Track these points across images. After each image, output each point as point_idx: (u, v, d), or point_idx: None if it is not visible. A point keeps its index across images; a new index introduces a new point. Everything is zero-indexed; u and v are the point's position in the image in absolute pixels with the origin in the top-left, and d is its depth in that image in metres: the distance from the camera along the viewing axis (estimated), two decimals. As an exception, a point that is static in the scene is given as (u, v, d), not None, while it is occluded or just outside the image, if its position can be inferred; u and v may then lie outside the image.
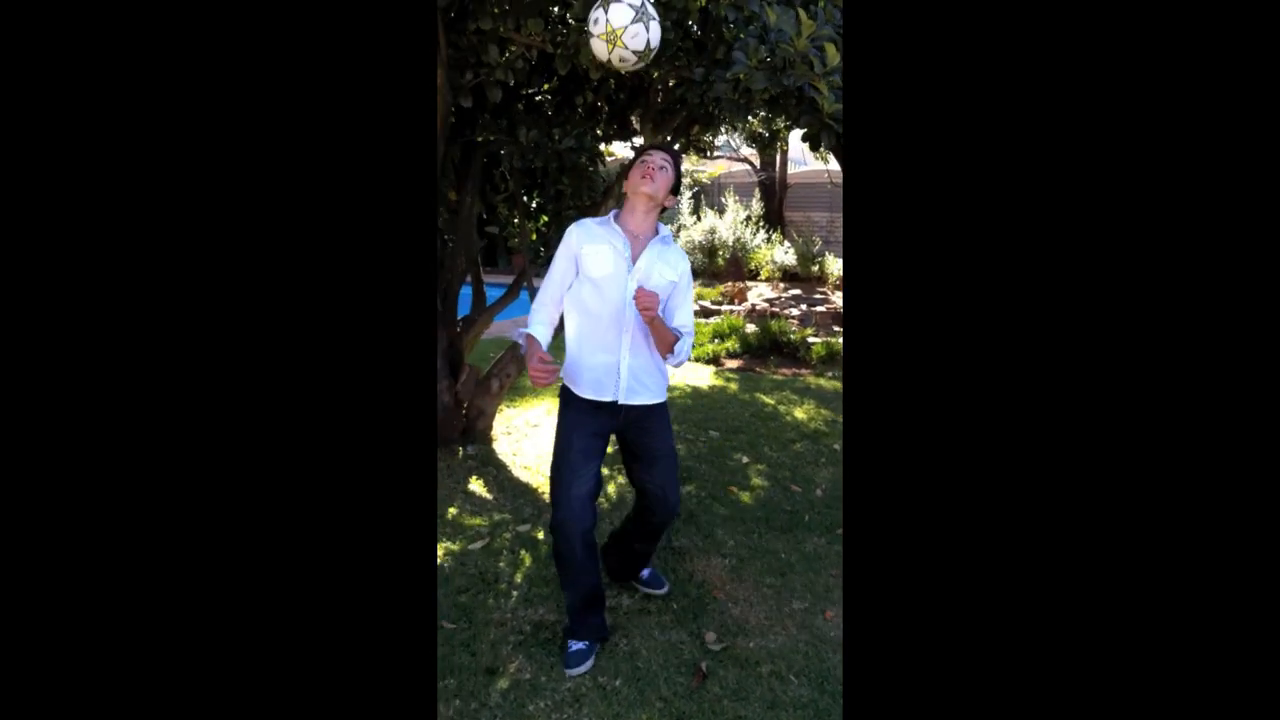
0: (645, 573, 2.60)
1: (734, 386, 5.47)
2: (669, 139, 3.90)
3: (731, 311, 8.07)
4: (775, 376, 5.85)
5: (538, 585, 2.59)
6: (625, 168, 3.65)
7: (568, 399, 2.23)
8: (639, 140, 4.20)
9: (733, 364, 6.27)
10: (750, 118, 5.45)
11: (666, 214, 12.29)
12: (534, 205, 4.33)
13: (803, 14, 2.24)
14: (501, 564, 2.74)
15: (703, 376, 5.82)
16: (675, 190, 2.24)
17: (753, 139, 9.07)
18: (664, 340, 2.11)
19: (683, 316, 2.25)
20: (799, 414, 4.77)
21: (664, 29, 2.75)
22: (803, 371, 6.02)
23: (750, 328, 6.92)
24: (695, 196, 12.69)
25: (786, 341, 6.44)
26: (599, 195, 3.97)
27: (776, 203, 12.90)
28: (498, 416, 4.33)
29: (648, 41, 2.06)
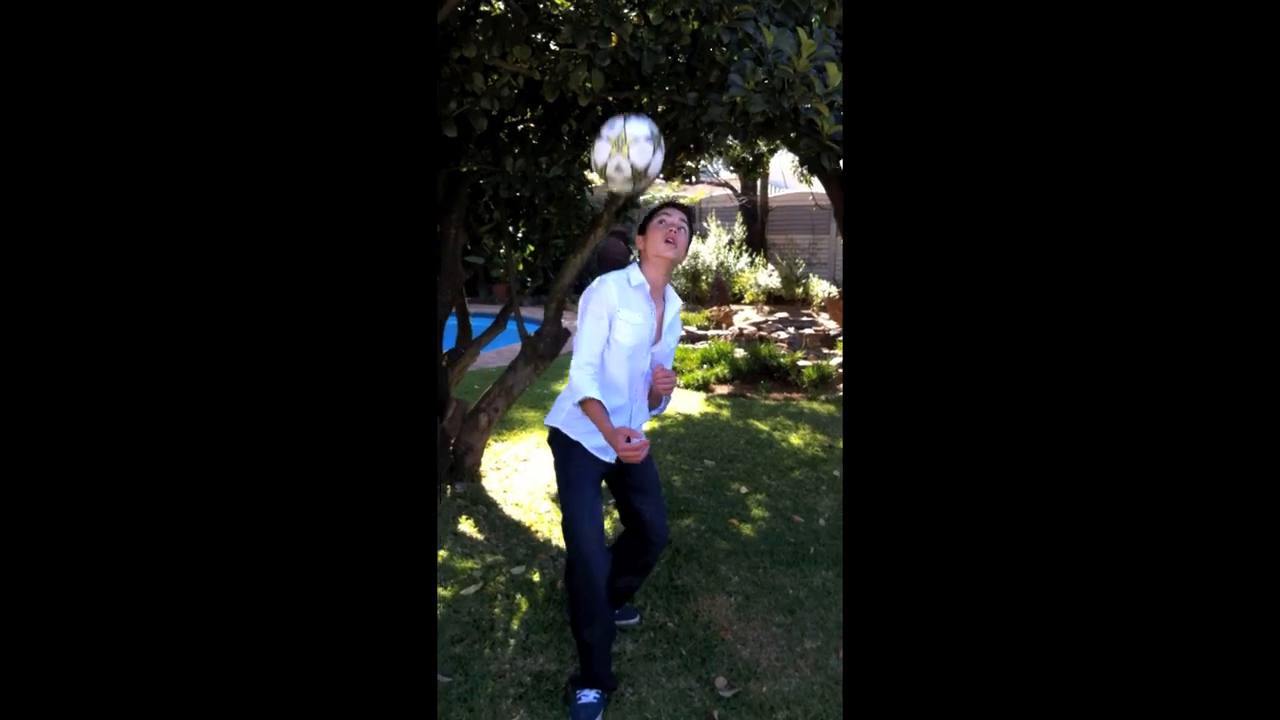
0: (617, 611, 2.55)
1: (726, 413, 5.38)
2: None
3: (719, 336, 8.00)
4: (767, 402, 5.76)
5: (536, 632, 2.47)
6: (618, 201, 3.59)
7: (579, 455, 2.16)
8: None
9: (723, 389, 6.18)
10: (737, 141, 5.42)
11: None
12: (520, 235, 4.25)
13: (803, 33, 2.18)
14: (497, 610, 2.62)
15: (694, 404, 5.72)
16: (691, 238, 2.29)
17: (736, 164, 9.08)
18: (672, 385, 2.22)
19: (670, 359, 2.36)
20: (795, 440, 4.69)
21: (655, 54, 2.69)
22: (795, 396, 5.94)
23: (739, 352, 6.85)
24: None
25: (777, 365, 6.37)
26: (586, 224, 3.89)
27: (759, 226, 12.92)
28: (486, 452, 4.21)
29: (649, 165, 2.01)
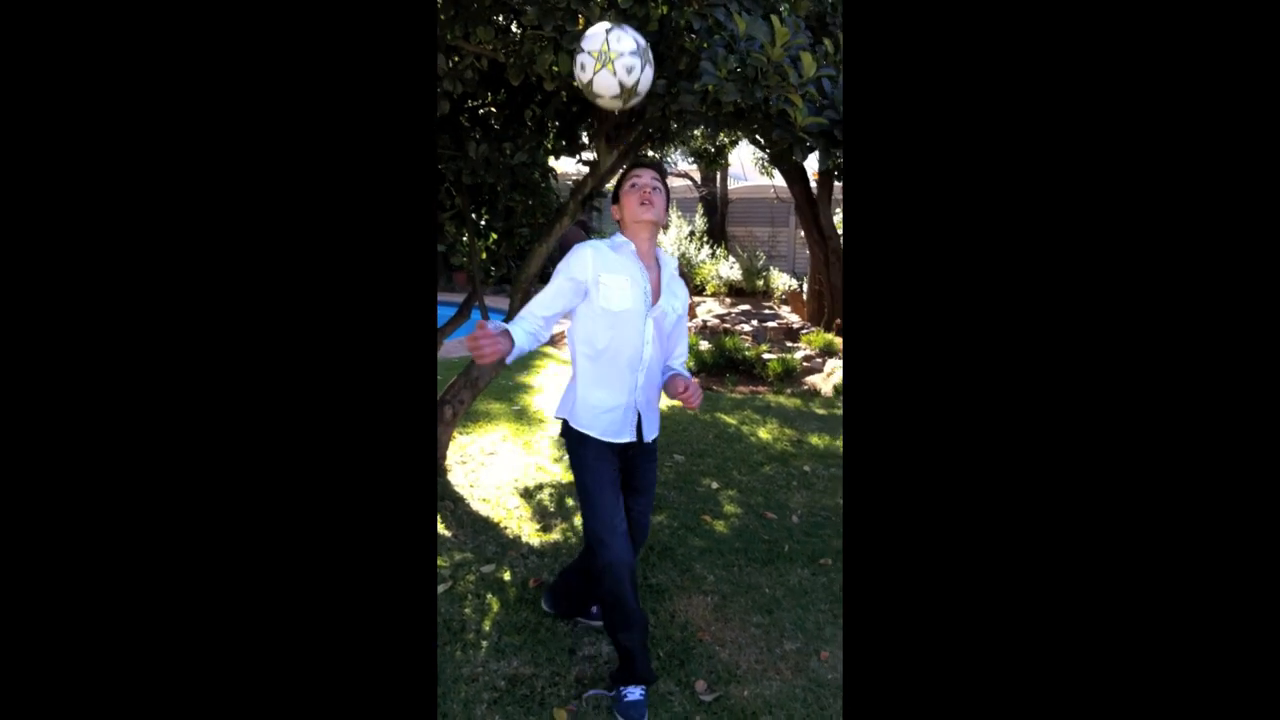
0: (595, 608, 2.47)
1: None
2: (621, 154, 3.76)
3: (682, 328, 7.95)
4: (734, 395, 5.74)
5: (509, 634, 2.40)
6: (584, 189, 3.50)
7: (583, 440, 2.06)
8: (589, 156, 4.05)
9: (688, 382, 6.14)
10: (701, 131, 5.37)
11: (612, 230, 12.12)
12: (483, 223, 4.14)
13: (776, 21, 2.12)
14: (467, 610, 2.54)
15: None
16: (668, 200, 2.14)
17: (697, 155, 9.04)
18: (701, 399, 2.04)
19: (681, 346, 2.23)
20: (763, 434, 4.66)
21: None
22: (760, 389, 5.92)
23: (704, 344, 6.81)
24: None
25: (742, 359, 6.34)
26: (553, 212, 3.80)
27: (719, 218, 12.90)
28: (451, 445, 4.11)
29: (638, 81, 1.88)
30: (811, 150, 2.56)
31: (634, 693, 2.02)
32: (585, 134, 4.02)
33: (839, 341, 6.86)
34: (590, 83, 1.86)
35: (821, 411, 5.28)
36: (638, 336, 2.02)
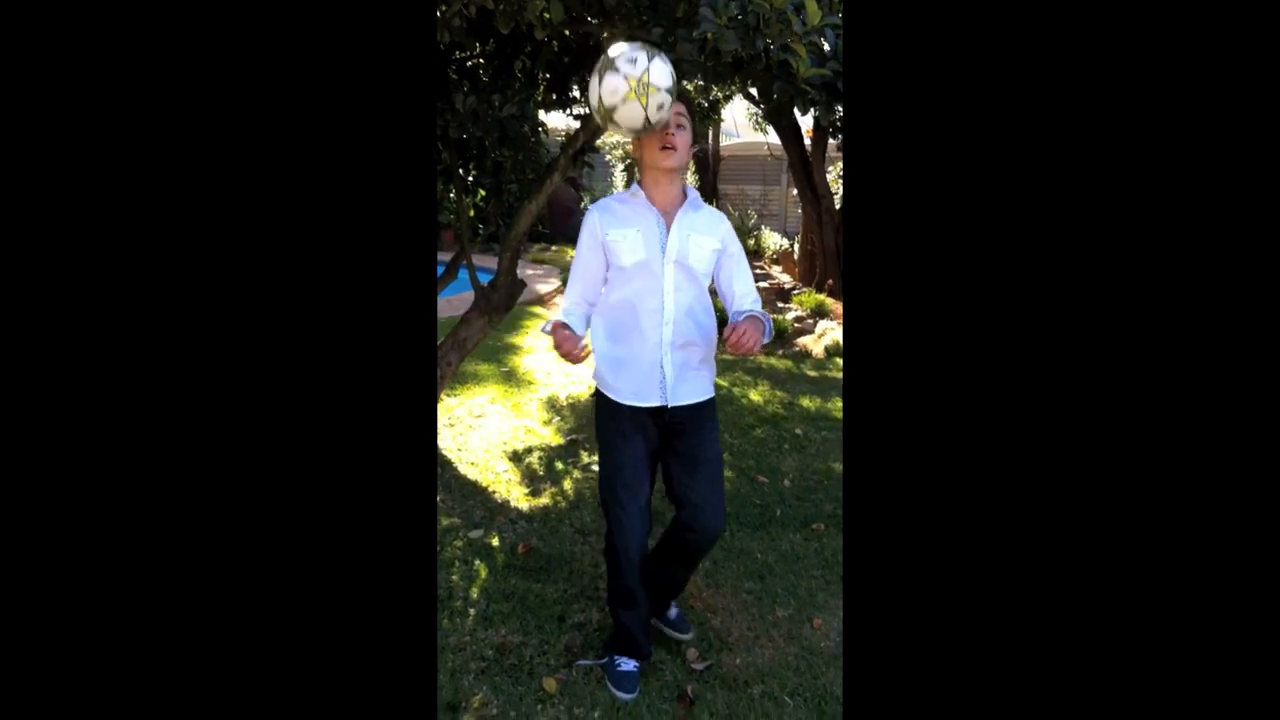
0: (673, 612, 2.20)
1: (683, 367, 5.28)
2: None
3: (672, 288, 7.85)
4: (724, 356, 5.67)
5: (497, 601, 2.35)
6: (575, 145, 3.39)
7: (608, 407, 1.92)
8: (581, 110, 3.92)
9: (679, 343, 6.07)
10: (696, 84, 5.22)
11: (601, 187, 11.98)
12: (471, 179, 4.02)
13: (782, -36, 2.01)
14: (455, 577, 2.49)
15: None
16: (695, 131, 1.92)
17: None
18: (756, 340, 1.71)
19: (743, 284, 1.94)
20: (755, 397, 4.61)
21: (619, -17, 2.49)
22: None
23: (694, 305, 6.72)
24: (629, 169, 12.41)
25: (732, 318, 6.26)
26: (543, 169, 3.68)
27: (710, 176, 12.72)
28: (439, 408, 4.04)
29: (663, 120, 1.73)
30: (814, 104, 2.46)
31: (627, 663, 1.97)
32: (577, 87, 3.89)
33: (831, 302, 6.79)
34: (614, 109, 1.68)
35: (813, 373, 5.23)
36: (657, 285, 1.84)
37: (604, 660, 2.02)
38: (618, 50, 1.71)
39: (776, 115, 7.20)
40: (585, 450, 3.64)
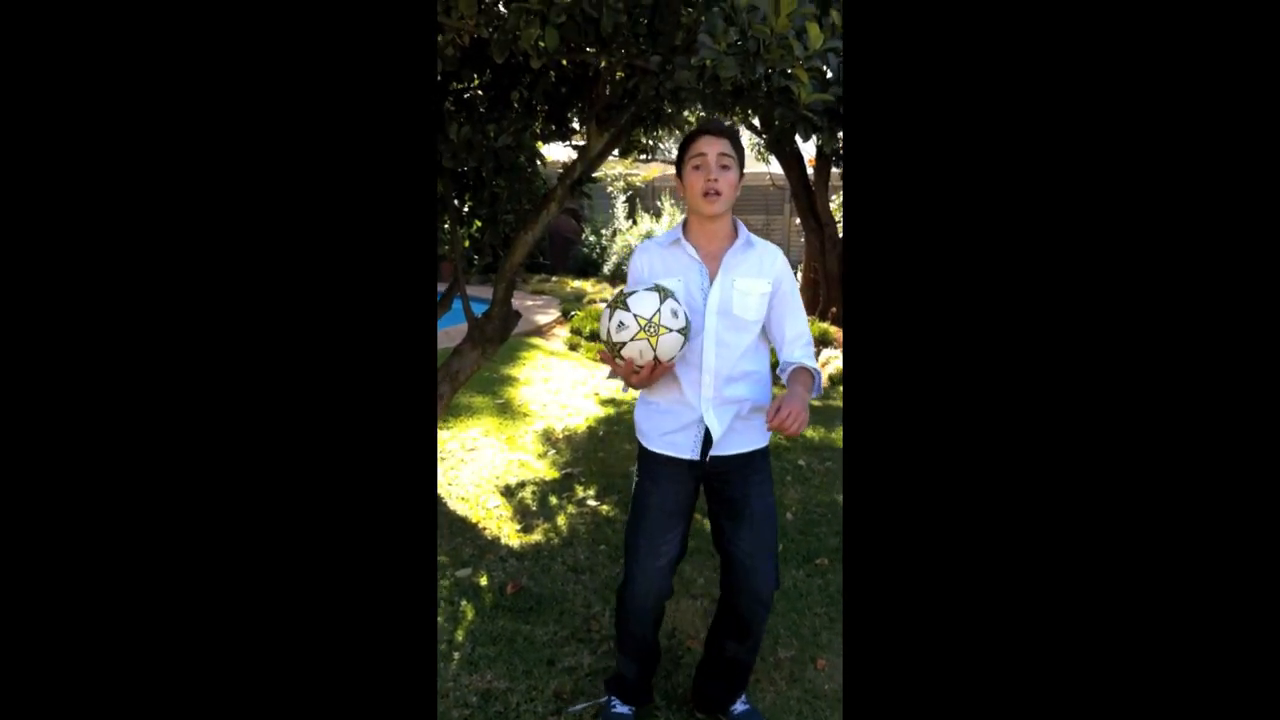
0: (740, 707, 1.91)
1: (682, 399, 5.20)
2: (612, 138, 3.60)
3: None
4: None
5: (484, 644, 2.25)
6: (572, 174, 3.35)
7: (641, 451, 1.84)
8: (579, 142, 3.88)
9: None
10: (697, 113, 5.20)
11: (594, 219, 11.97)
12: (466, 210, 3.98)
13: (780, -11, 1.97)
14: (440, 618, 2.39)
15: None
16: (742, 169, 1.80)
17: (690, 141, 8.81)
18: (802, 422, 1.54)
19: (794, 327, 1.77)
20: (754, 428, 4.53)
21: (615, 11, 2.46)
22: (751, 381, 5.79)
23: (694, 336, 6.67)
24: (630, 200, 12.44)
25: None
26: (539, 199, 3.64)
27: (712, 206, 12.72)
28: (431, 440, 3.95)
29: (671, 357, 1.65)
30: (817, 130, 2.41)
31: (622, 706, 1.88)
32: (576, 117, 3.86)
33: (834, 331, 6.73)
34: (623, 345, 1.62)
35: (816, 402, 5.15)
36: (697, 340, 1.71)
37: (600, 700, 1.95)
38: (604, 333, 1.67)
39: (778, 144, 7.19)
40: (580, 484, 3.55)
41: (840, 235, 7.54)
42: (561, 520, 3.16)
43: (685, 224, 1.80)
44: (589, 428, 4.45)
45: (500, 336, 3.61)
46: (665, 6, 2.52)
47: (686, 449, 1.75)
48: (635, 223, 11.62)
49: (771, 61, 2.09)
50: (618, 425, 4.46)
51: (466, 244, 4.09)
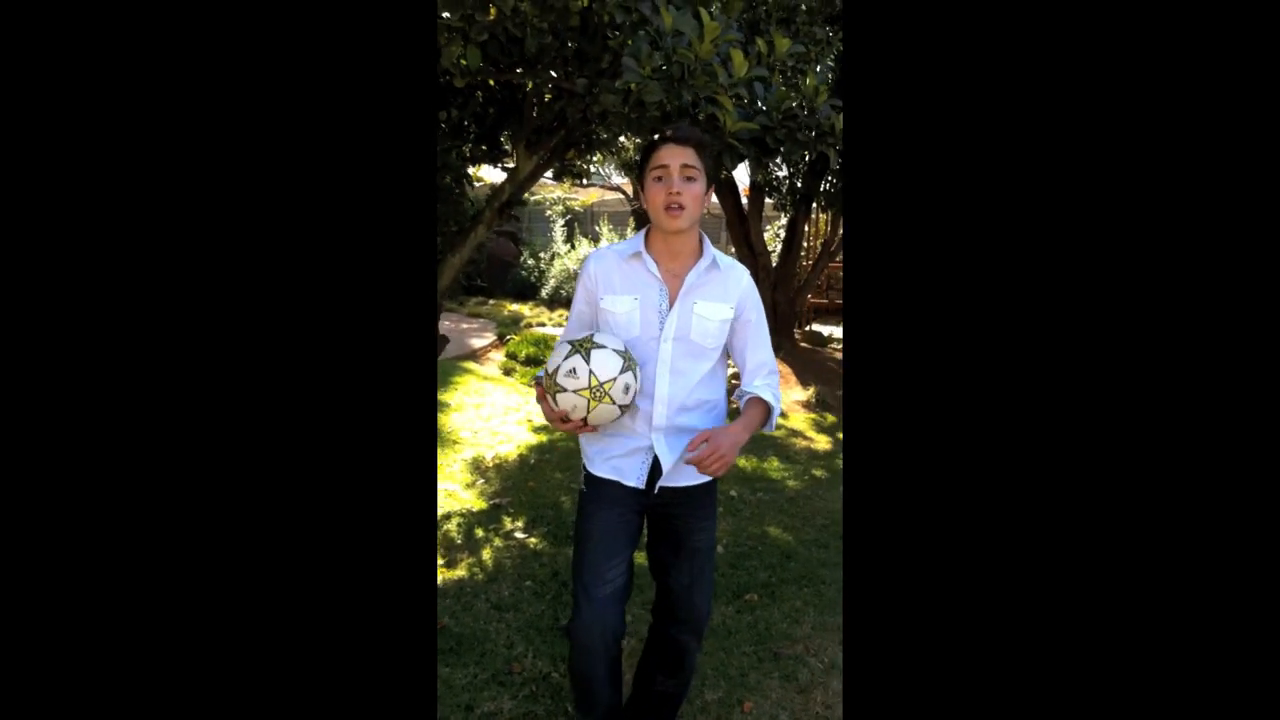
0: None
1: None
2: (542, 161, 3.53)
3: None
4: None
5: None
6: (501, 197, 3.27)
7: (587, 478, 1.72)
8: (510, 163, 3.81)
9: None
10: (630, 139, 5.18)
11: (521, 241, 11.90)
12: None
13: (705, 15, 1.94)
14: (353, 663, 2.26)
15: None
16: (713, 179, 1.65)
17: (628, 167, 8.85)
18: (724, 464, 1.51)
19: (756, 356, 1.68)
20: (688, 456, 4.47)
21: (539, 31, 2.40)
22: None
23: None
24: (569, 225, 12.39)
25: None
26: (466, 220, 3.55)
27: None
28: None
29: (633, 393, 1.56)
30: (742, 158, 2.39)
31: None
32: (507, 140, 3.79)
33: (768, 360, 6.74)
34: (562, 390, 1.53)
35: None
36: (650, 363, 1.62)
37: None
38: (553, 367, 1.56)
39: (716, 174, 7.24)
40: (508, 516, 3.44)
41: (773, 265, 7.60)
42: (487, 554, 3.04)
43: (647, 234, 1.67)
44: (520, 455, 4.34)
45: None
46: (592, 29, 2.48)
47: (632, 476, 1.66)
48: (574, 247, 11.56)
49: (697, 88, 2.06)
50: (549, 453, 4.36)
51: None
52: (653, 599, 1.84)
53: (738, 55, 1.99)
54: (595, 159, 5.28)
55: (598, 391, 1.50)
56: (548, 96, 3.14)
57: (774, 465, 4.33)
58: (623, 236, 12.17)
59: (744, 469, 4.25)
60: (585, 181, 8.92)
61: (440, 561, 2.96)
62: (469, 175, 3.64)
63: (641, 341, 1.62)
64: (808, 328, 8.68)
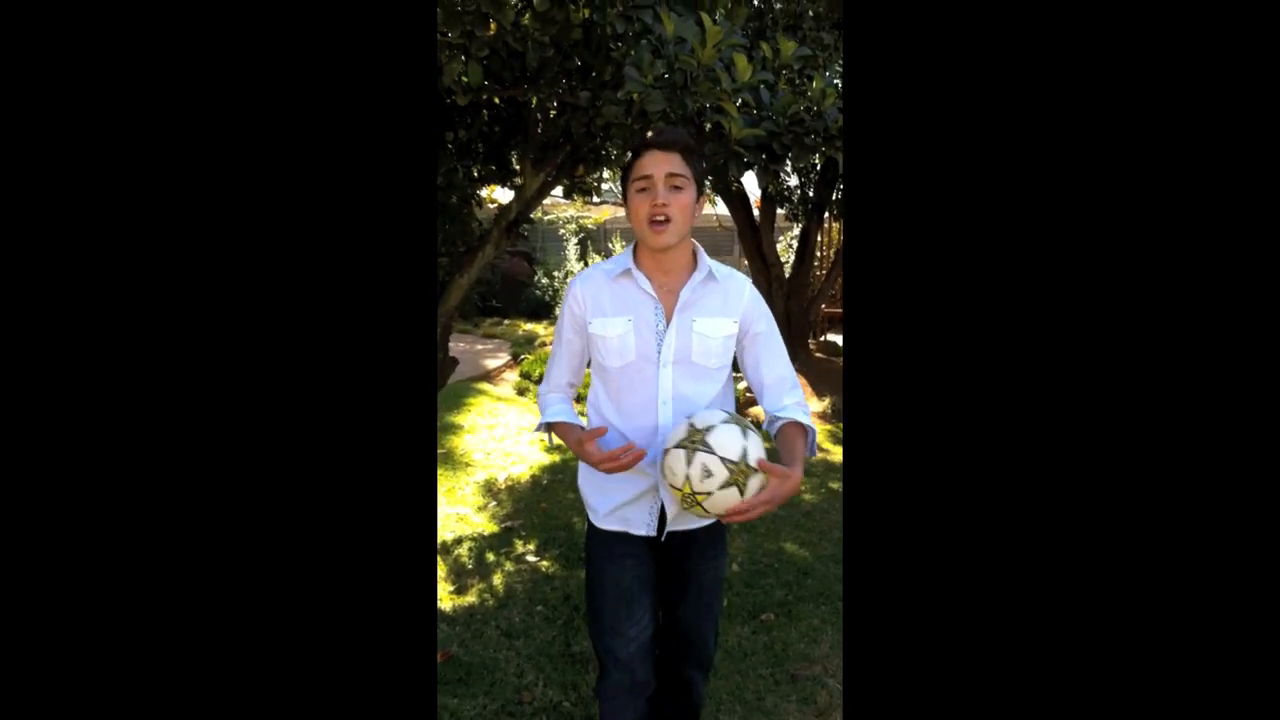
0: None
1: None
2: (549, 179, 3.49)
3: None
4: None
5: None
6: (508, 216, 3.24)
7: (590, 530, 1.58)
8: (518, 181, 3.78)
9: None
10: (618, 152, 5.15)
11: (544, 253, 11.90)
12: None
13: (708, 20, 1.89)
14: (360, 694, 2.20)
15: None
16: (701, 188, 1.50)
17: (638, 183, 8.81)
18: (804, 464, 1.40)
19: (775, 370, 1.54)
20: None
21: (541, 45, 2.37)
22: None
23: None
24: (582, 243, 12.38)
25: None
26: (474, 240, 3.52)
27: (663, 248, 12.73)
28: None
29: (751, 459, 1.35)
30: (749, 166, 2.33)
31: None
32: (515, 158, 3.76)
33: (784, 374, 6.67)
34: (708, 495, 1.32)
35: (766, 445, 5.04)
36: (650, 391, 1.46)
37: None
38: (681, 479, 1.33)
39: (725, 185, 7.20)
40: (520, 539, 3.37)
41: (786, 276, 7.53)
42: (498, 579, 2.98)
43: (636, 250, 1.52)
44: (532, 476, 4.28)
45: (437, 384, 3.45)
46: (594, 42, 2.44)
47: (642, 524, 1.51)
48: (587, 264, 11.55)
49: (700, 95, 2.01)
50: (562, 473, 4.30)
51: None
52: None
53: (741, 60, 1.94)
54: (606, 176, 5.23)
55: (740, 471, 1.31)
56: (552, 112, 3.10)
57: (792, 481, 4.24)
58: (636, 253, 12.15)
59: (761, 485, 4.17)
60: (597, 199, 8.91)
61: (450, 588, 2.90)
62: (477, 195, 3.61)
63: (636, 368, 1.47)
64: (822, 338, 8.59)
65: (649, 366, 1.46)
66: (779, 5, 3.63)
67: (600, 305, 1.49)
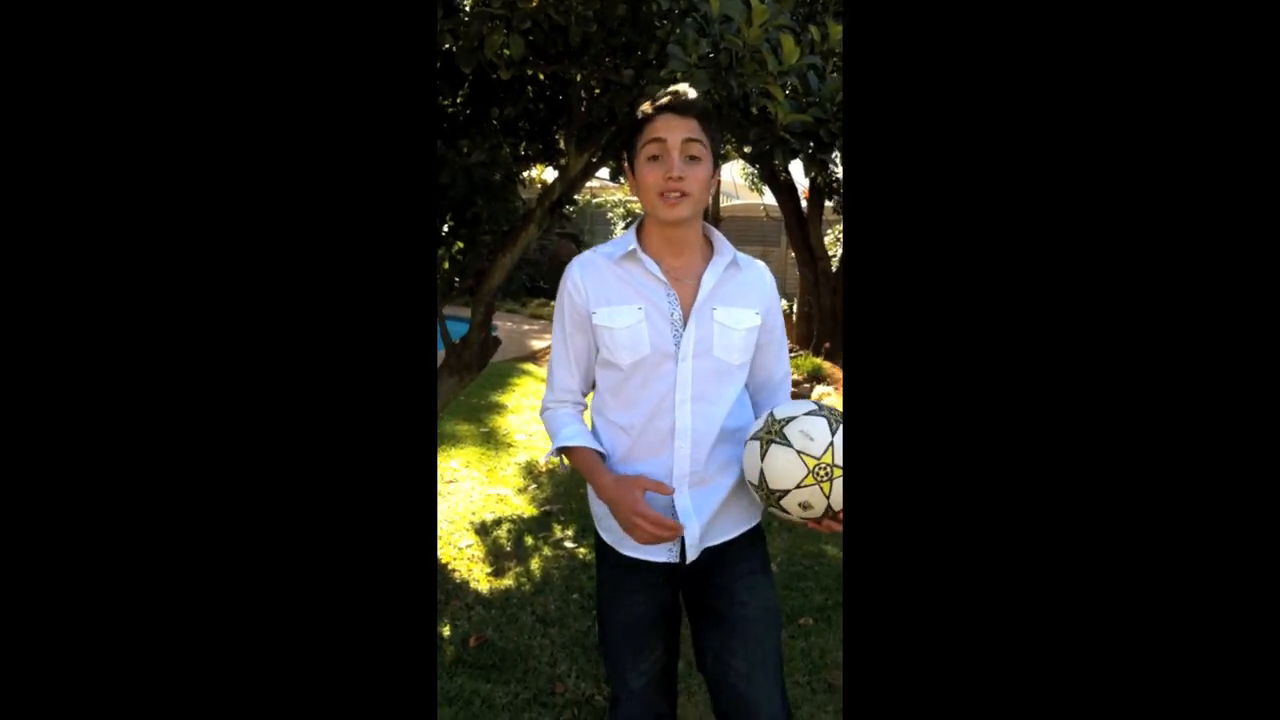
0: None
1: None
2: (594, 159, 3.44)
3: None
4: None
5: (440, 705, 2.05)
6: (552, 195, 3.20)
7: (601, 551, 1.39)
8: (562, 161, 3.73)
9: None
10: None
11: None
12: (445, 230, 3.82)
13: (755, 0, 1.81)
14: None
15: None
16: (718, 160, 1.34)
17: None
18: None
19: (783, 364, 1.42)
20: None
21: (584, 19, 2.31)
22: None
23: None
24: (629, 224, 12.32)
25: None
26: (517, 219, 3.49)
27: (713, 234, 12.62)
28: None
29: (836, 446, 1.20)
30: (796, 153, 2.25)
31: None
32: (559, 136, 3.71)
33: (828, 366, 6.55)
34: (784, 494, 1.20)
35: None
36: (668, 395, 1.28)
37: None
38: (788, 416, 1.22)
39: (773, 175, 7.08)
40: (559, 524, 3.36)
41: (834, 269, 7.39)
42: (535, 564, 2.96)
43: (640, 229, 1.34)
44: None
45: (479, 363, 3.44)
46: (639, 18, 2.37)
47: (662, 550, 1.31)
48: (634, 247, 11.50)
49: (745, 76, 1.93)
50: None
51: (446, 266, 3.94)
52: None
53: (788, 41, 1.85)
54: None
55: (825, 473, 1.16)
56: (596, 90, 3.04)
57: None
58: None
59: (804, 476, 4.09)
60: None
61: (488, 570, 2.90)
62: (521, 173, 3.57)
63: (651, 364, 1.28)
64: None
65: (666, 362, 1.28)
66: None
67: (604, 292, 1.30)
